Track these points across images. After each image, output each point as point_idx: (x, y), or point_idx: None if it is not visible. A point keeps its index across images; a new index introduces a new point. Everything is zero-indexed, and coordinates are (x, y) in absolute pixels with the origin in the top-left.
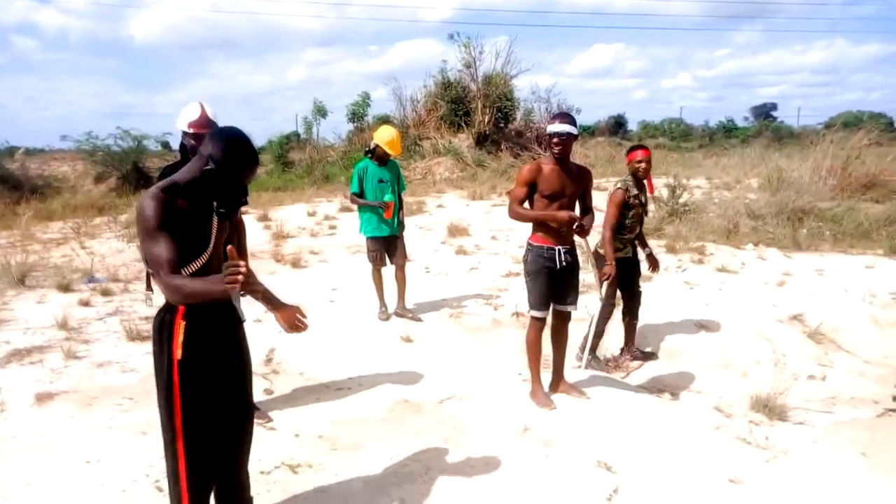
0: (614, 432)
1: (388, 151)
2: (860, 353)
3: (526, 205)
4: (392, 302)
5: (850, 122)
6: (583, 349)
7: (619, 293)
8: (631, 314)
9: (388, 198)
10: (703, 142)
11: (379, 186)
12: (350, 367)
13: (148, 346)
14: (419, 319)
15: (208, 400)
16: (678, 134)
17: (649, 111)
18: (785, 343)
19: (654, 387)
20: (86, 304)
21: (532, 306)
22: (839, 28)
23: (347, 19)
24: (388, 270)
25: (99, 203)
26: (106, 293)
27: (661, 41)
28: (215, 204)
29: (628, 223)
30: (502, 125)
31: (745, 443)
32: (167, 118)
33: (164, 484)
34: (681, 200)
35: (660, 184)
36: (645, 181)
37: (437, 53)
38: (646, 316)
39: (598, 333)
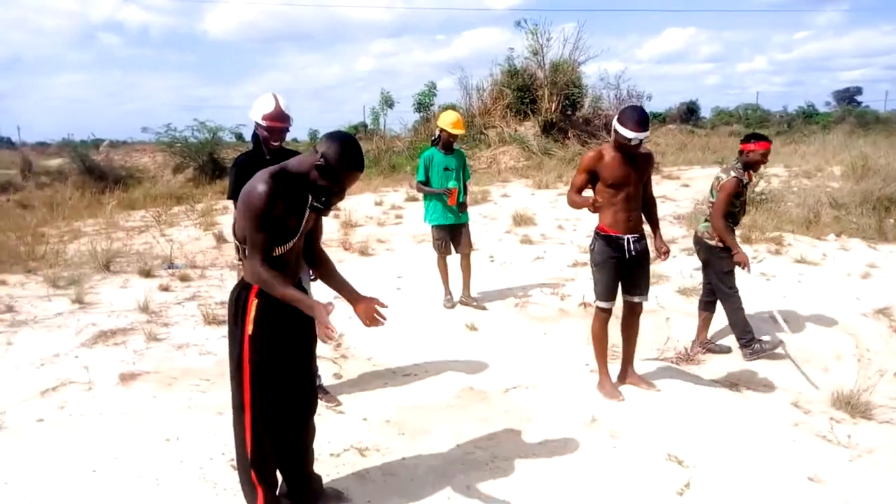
0: (685, 426)
1: (452, 131)
2: None
3: (588, 192)
4: (457, 290)
5: None
6: (745, 346)
7: (718, 282)
8: (710, 308)
9: (451, 184)
10: (781, 128)
11: (444, 174)
12: (416, 353)
13: (224, 331)
14: (484, 308)
15: (275, 376)
16: (754, 120)
17: (723, 97)
18: (869, 338)
19: (728, 381)
20: (165, 289)
21: (598, 296)
22: None
23: (415, 9)
24: (454, 259)
25: (177, 193)
26: (184, 279)
27: (735, 24)
28: (311, 198)
29: (735, 212)
30: (569, 113)
31: (826, 440)
32: (241, 110)
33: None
34: (757, 189)
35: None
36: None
37: (504, 42)
38: (719, 308)
39: (740, 322)
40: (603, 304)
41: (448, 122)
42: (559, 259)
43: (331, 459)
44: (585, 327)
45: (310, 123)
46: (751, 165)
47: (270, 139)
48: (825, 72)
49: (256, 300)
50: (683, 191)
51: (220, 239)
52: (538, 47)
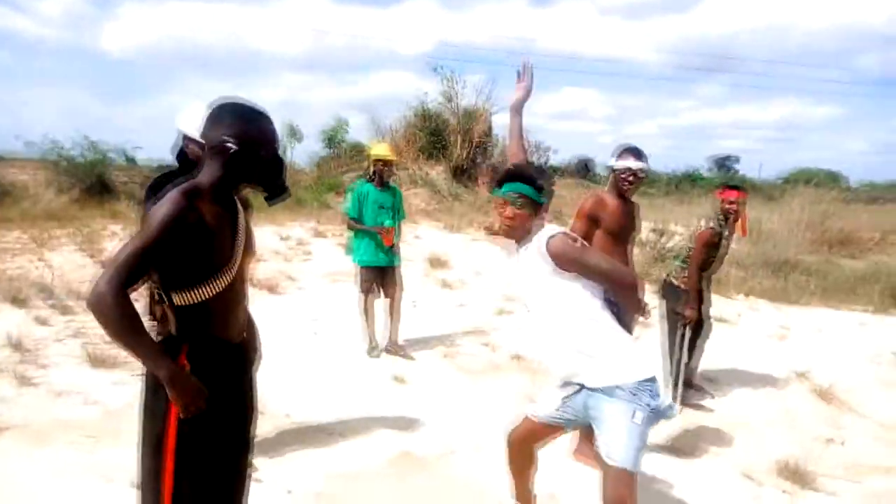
0: (653, 500)
1: (388, 156)
2: (872, 416)
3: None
4: (382, 337)
5: (808, 179)
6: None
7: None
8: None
9: (387, 223)
10: (669, 189)
11: (379, 212)
12: (340, 409)
13: (114, 376)
14: (411, 358)
15: (207, 458)
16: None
17: None
18: (796, 402)
19: (671, 446)
20: (43, 322)
21: None
22: (797, 88)
23: (324, 45)
24: (379, 304)
25: (59, 214)
26: (66, 311)
27: (628, 90)
28: (242, 197)
29: (710, 262)
30: (479, 160)
31: None
32: (136, 133)
33: None
34: (668, 245)
35: (646, 227)
36: (738, 223)
37: (414, 86)
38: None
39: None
40: None
41: (382, 149)
42: (482, 306)
43: None
44: (519, 382)
45: None
46: (728, 213)
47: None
48: (706, 139)
49: (187, 364)
50: None
51: None
52: (452, 94)
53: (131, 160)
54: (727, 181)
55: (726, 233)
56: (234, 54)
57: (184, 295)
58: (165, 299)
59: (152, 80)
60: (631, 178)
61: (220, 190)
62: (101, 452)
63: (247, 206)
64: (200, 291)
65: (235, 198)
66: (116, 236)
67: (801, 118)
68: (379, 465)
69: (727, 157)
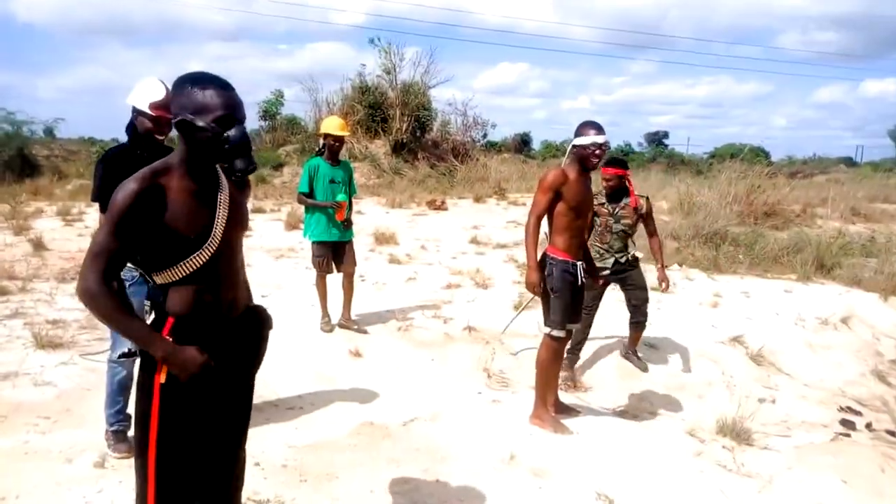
0: (605, 461)
1: (338, 133)
2: (799, 377)
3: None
4: (334, 312)
5: (734, 154)
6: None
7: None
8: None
9: (340, 197)
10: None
11: (330, 187)
12: (298, 383)
13: (61, 356)
14: (365, 332)
15: (191, 433)
16: None
17: (549, 131)
18: (731, 365)
19: (621, 409)
20: None
21: (554, 325)
22: (723, 65)
23: (253, 15)
24: (333, 279)
25: None
26: (3, 292)
27: (562, 64)
28: (223, 175)
29: (598, 230)
30: (419, 134)
31: (728, 470)
32: (50, 104)
33: None
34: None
35: None
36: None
37: (349, 59)
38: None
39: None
40: (559, 333)
41: (334, 125)
42: (432, 280)
43: None
44: (473, 353)
45: None
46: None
47: (156, 132)
48: (638, 115)
49: (170, 337)
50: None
51: (39, 245)
52: (391, 66)
53: (49, 133)
54: (609, 159)
55: (603, 200)
56: (156, 22)
57: (164, 274)
58: (149, 279)
59: (70, 49)
60: (598, 152)
61: (191, 165)
62: (59, 433)
63: (243, 185)
64: (179, 269)
65: (220, 172)
66: (43, 214)
67: (727, 95)
68: (342, 436)
69: (656, 133)
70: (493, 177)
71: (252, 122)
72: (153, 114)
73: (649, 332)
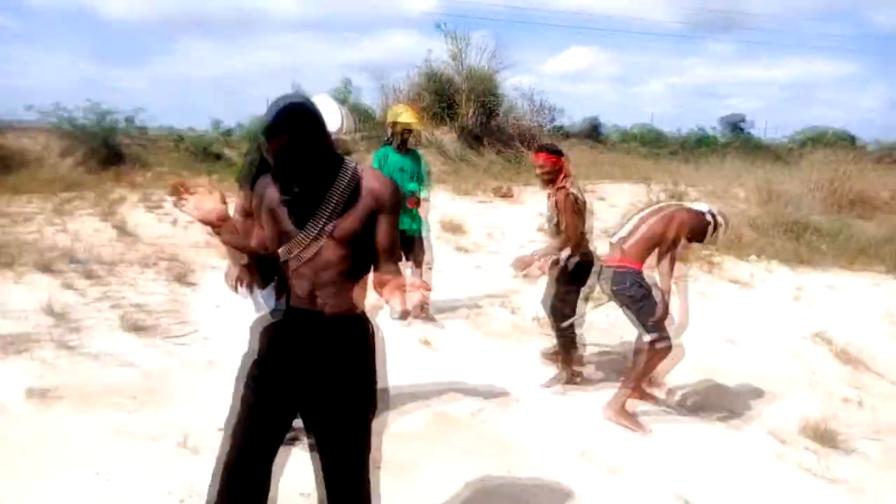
0: (682, 462)
1: (410, 121)
2: (887, 375)
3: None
4: None
5: (817, 138)
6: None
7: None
8: None
9: (411, 187)
10: (675, 149)
11: (400, 176)
12: None
13: (146, 339)
14: (434, 320)
15: (242, 398)
16: (650, 140)
17: (621, 116)
18: (815, 362)
19: (694, 406)
20: (69, 286)
21: (661, 332)
22: (806, 45)
23: (322, 4)
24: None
25: (68, 178)
26: (91, 276)
27: (634, 47)
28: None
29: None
30: (486, 121)
31: (812, 474)
32: (135, 93)
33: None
34: None
35: (657, 189)
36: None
37: (416, 46)
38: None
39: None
40: (668, 342)
41: (403, 114)
42: (499, 269)
43: (301, 500)
44: (541, 344)
45: (211, 113)
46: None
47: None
48: (714, 98)
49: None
50: (601, 204)
51: (123, 231)
52: (457, 52)
53: (133, 123)
54: (540, 145)
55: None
56: (231, 14)
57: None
58: None
59: (150, 42)
60: None
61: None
62: (144, 412)
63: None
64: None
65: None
66: (127, 201)
67: (811, 76)
68: (418, 426)
69: (732, 116)
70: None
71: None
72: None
73: (727, 326)
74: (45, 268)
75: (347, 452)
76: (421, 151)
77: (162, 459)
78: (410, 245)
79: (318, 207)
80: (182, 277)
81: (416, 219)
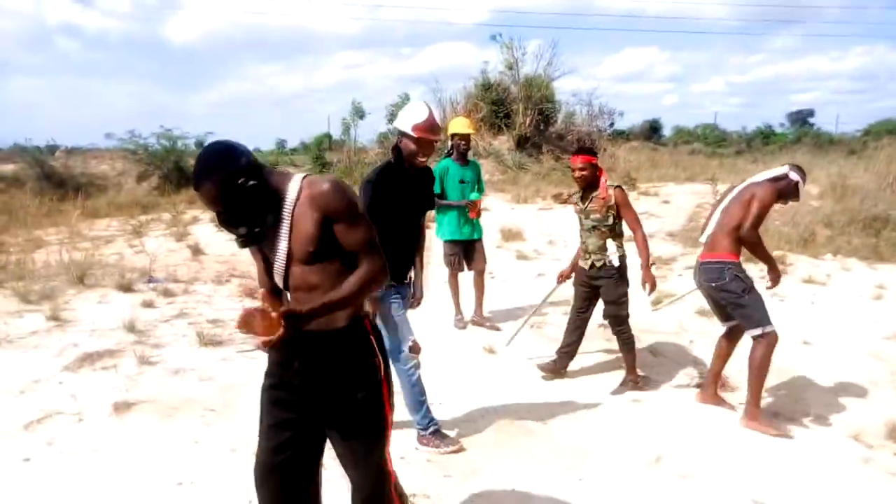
0: (759, 465)
1: (467, 131)
2: None
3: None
4: (467, 309)
5: (893, 130)
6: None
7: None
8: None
9: (473, 196)
10: (740, 148)
11: (460, 187)
12: (436, 379)
13: (221, 353)
14: (497, 328)
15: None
16: (713, 140)
17: (681, 116)
18: None
19: (772, 411)
20: (149, 305)
21: (764, 321)
22: (877, 33)
23: (379, 21)
24: (465, 276)
25: (143, 201)
26: (167, 294)
27: (692, 46)
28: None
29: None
30: (543, 128)
31: None
32: (201, 118)
33: None
34: None
35: (723, 190)
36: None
37: (471, 57)
38: None
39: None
40: (772, 328)
41: (459, 124)
42: None
43: None
44: (605, 351)
45: (274, 133)
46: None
47: (419, 153)
48: (779, 94)
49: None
50: (665, 207)
51: (197, 251)
52: (513, 62)
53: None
54: (578, 147)
55: (578, 200)
56: (291, 36)
57: None
58: None
59: (214, 66)
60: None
61: None
62: (222, 424)
63: None
64: None
65: None
66: (199, 221)
67: (882, 66)
68: (484, 433)
69: (800, 112)
70: (621, 167)
71: (381, 125)
72: (416, 135)
73: (803, 327)
74: (126, 287)
75: (362, 453)
76: (480, 161)
77: (240, 469)
78: (472, 253)
79: (277, 235)
80: (253, 293)
81: (478, 228)
